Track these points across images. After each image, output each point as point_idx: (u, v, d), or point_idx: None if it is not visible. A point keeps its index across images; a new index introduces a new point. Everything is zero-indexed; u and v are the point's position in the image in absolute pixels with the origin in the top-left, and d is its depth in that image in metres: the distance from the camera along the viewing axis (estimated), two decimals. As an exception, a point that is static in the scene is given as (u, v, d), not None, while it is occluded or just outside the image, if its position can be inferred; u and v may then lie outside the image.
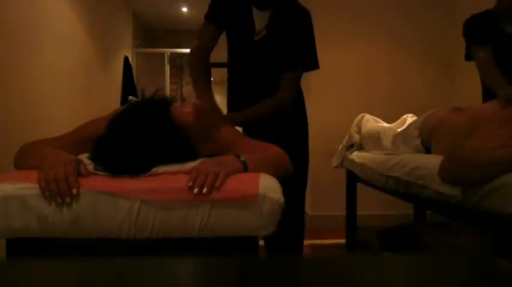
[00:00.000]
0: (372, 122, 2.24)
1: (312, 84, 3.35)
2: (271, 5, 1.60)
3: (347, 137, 2.36)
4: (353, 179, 2.34)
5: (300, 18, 1.64)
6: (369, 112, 2.36)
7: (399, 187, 1.65)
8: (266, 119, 1.57)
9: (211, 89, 1.61)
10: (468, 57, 2.02)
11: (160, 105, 1.09)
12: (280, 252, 1.74)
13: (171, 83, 5.62)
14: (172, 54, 5.10)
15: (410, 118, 2.16)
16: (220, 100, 1.96)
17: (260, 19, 1.62)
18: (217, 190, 0.89)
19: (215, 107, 1.52)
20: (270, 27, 1.61)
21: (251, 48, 1.66)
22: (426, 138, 1.72)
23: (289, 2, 1.64)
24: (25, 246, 0.92)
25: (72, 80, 2.87)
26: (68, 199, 0.87)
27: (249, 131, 1.48)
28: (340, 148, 2.43)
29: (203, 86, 1.58)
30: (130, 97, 1.21)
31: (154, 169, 0.97)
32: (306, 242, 2.79)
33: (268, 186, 0.93)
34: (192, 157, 1.04)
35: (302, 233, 1.80)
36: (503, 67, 1.87)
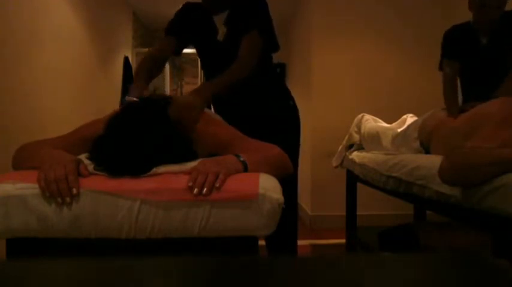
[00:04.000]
0: (371, 122, 2.24)
1: (312, 84, 3.35)
2: (228, 7, 1.64)
3: (347, 137, 2.37)
4: (353, 179, 2.34)
5: (253, 1, 1.63)
6: (369, 112, 2.36)
7: (399, 187, 1.65)
8: (234, 90, 1.51)
9: (147, 83, 1.53)
10: (441, 67, 2.08)
11: (159, 105, 1.09)
12: (274, 251, 1.76)
13: (171, 83, 5.62)
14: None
15: (410, 118, 2.16)
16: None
17: (220, 23, 1.66)
18: (218, 190, 0.89)
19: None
20: (228, 22, 1.64)
21: (219, 50, 1.69)
22: (426, 139, 1.72)
23: None
24: (25, 246, 0.92)
25: (72, 80, 2.87)
26: (68, 199, 0.87)
27: (238, 130, 1.47)
28: (340, 148, 2.43)
29: (140, 80, 1.51)
30: (128, 97, 1.20)
31: (154, 169, 0.97)
32: (306, 242, 2.79)
33: (268, 186, 0.93)
34: (192, 157, 1.04)
35: (295, 233, 1.82)
36: (474, 76, 1.99)
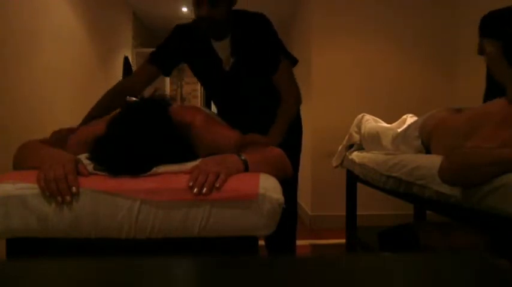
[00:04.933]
0: (371, 122, 2.24)
1: (313, 84, 3.35)
2: (229, 32, 1.55)
3: (347, 137, 2.36)
4: (353, 179, 2.34)
5: (257, 27, 1.57)
6: (369, 112, 2.36)
7: (399, 187, 1.65)
8: (255, 119, 1.55)
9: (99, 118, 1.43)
10: (480, 51, 2.02)
11: (159, 105, 1.09)
12: (273, 251, 1.76)
13: (171, 83, 5.62)
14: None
15: (410, 118, 2.16)
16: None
17: (221, 48, 1.57)
18: (218, 190, 0.89)
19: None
20: (235, 52, 1.56)
21: (226, 79, 1.61)
22: (426, 139, 1.72)
23: (242, 19, 1.56)
24: (25, 246, 0.92)
25: (72, 80, 2.87)
26: (68, 198, 0.87)
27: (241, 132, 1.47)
28: (340, 148, 2.43)
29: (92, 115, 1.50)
30: (129, 97, 1.21)
31: (155, 169, 0.97)
32: (305, 242, 2.79)
33: (268, 186, 0.93)
34: (192, 157, 1.04)
35: (294, 233, 1.82)
36: None
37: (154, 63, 1.60)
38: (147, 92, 1.32)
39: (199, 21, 1.51)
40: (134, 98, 1.20)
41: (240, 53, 1.56)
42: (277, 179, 1.01)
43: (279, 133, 1.49)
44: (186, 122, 1.13)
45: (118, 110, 1.11)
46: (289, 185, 1.66)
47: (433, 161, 1.41)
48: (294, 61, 1.66)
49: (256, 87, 1.63)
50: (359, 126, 2.27)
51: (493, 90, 1.85)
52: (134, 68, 4.42)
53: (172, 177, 0.95)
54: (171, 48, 1.62)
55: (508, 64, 1.83)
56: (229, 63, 1.58)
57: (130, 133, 0.98)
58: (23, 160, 1.05)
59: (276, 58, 1.56)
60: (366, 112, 2.35)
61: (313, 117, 3.31)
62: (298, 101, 1.60)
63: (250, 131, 1.30)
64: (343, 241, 2.58)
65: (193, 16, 1.64)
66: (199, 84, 5.42)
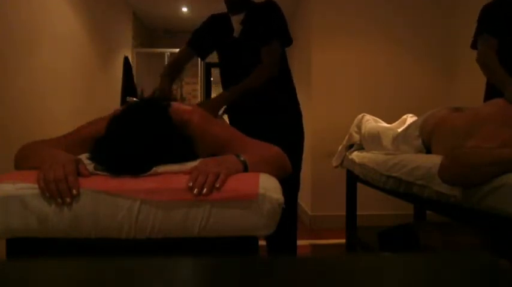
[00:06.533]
0: (372, 122, 2.24)
1: (313, 84, 3.35)
2: (244, 8, 1.81)
3: (347, 137, 2.36)
4: (353, 179, 2.34)
5: (265, 8, 1.79)
6: (369, 112, 2.36)
7: (399, 187, 1.65)
8: (255, 100, 1.73)
9: (171, 83, 1.83)
10: (474, 45, 1.93)
11: (159, 105, 1.09)
12: (274, 251, 1.77)
13: (171, 83, 5.61)
14: (172, 54, 5.09)
15: (410, 118, 2.16)
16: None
17: (236, 21, 1.82)
18: (218, 190, 0.89)
19: (168, 92, 1.75)
20: (244, 21, 1.80)
21: (234, 45, 1.83)
22: (427, 138, 1.72)
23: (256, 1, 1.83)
24: (25, 246, 0.92)
25: (72, 80, 2.87)
26: (68, 199, 0.87)
27: (241, 131, 1.50)
28: (340, 148, 2.43)
29: (165, 80, 1.78)
30: (129, 97, 1.21)
31: (154, 169, 0.97)
32: (306, 242, 2.79)
33: (268, 186, 0.93)
34: (192, 157, 1.04)
35: (295, 233, 1.82)
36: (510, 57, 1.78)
37: (192, 47, 1.90)
38: (146, 93, 1.33)
39: None
40: (134, 99, 1.20)
41: (247, 23, 1.79)
42: (277, 178, 1.01)
43: (233, 92, 1.67)
44: (184, 120, 1.13)
45: (118, 110, 1.11)
46: (289, 185, 1.68)
47: (433, 161, 1.41)
48: (289, 41, 1.89)
49: (257, 59, 1.73)
50: (359, 127, 2.27)
51: (494, 90, 1.81)
52: (134, 68, 4.42)
53: (172, 177, 0.95)
54: (205, 34, 1.90)
55: (500, 64, 1.74)
56: (239, 31, 1.81)
57: (130, 133, 0.98)
58: (25, 159, 1.05)
59: (269, 36, 1.74)
60: (366, 112, 2.35)
61: (313, 117, 3.31)
62: (268, 73, 1.72)
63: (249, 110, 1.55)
64: (343, 241, 2.58)
65: (192, 16, 1.74)
66: (199, 85, 5.42)
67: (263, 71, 1.69)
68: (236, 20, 1.81)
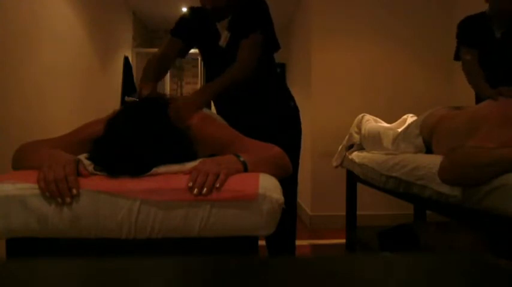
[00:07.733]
0: (372, 122, 2.24)
1: (313, 84, 3.35)
2: (230, 14, 1.66)
3: (347, 137, 2.37)
4: (353, 179, 2.34)
5: (250, 5, 1.66)
6: (369, 112, 2.36)
7: (399, 187, 1.65)
8: (236, 91, 1.57)
9: (156, 82, 1.58)
10: (457, 57, 2.06)
11: (158, 105, 1.09)
12: (273, 251, 1.76)
13: (171, 83, 5.62)
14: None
15: (410, 118, 2.17)
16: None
17: (222, 26, 1.69)
18: (218, 190, 0.89)
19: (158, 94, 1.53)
20: (232, 27, 1.66)
21: (221, 55, 1.70)
22: (428, 137, 1.72)
23: (241, 2, 1.66)
24: (25, 246, 0.92)
25: (72, 80, 2.87)
26: (68, 199, 0.87)
27: (239, 131, 1.48)
28: (340, 148, 2.43)
29: (148, 79, 1.56)
30: (127, 97, 1.20)
31: (154, 169, 0.97)
32: (305, 242, 2.79)
33: (268, 186, 0.93)
34: (192, 157, 1.04)
35: (294, 233, 1.82)
36: (489, 70, 1.93)
37: (177, 37, 1.73)
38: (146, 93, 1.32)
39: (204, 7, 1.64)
40: (133, 98, 1.20)
41: (234, 28, 1.65)
42: (277, 178, 1.01)
43: (211, 89, 1.49)
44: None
45: (117, 110, 1.11)
46: (289, 185, 1.67)
47: (433, 161, 1.41)
48: (275, 46, 1.74)
49: None
50: (359, 127, 2.27)
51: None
52: (134, 68, 4.42)
53: (172, 177, 0.95)
54: (186, 24, 1.75)
55: (482, 73, 1.90)
56: (226, 39, 1.68)
57: (129, 133, 0.98)
58: (23, 160, 1.04)
59: (250, 27, 1.60)
60: (366, 112, 2.35)
61: (313, 117, 3.31)
62: (245, 71, 1.56)
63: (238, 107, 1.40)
64: (343, 241, 2.58)
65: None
66: (199, 85, 5.42)
67: (238, 66, 1.54)
68: (222, 25, 1.68)
